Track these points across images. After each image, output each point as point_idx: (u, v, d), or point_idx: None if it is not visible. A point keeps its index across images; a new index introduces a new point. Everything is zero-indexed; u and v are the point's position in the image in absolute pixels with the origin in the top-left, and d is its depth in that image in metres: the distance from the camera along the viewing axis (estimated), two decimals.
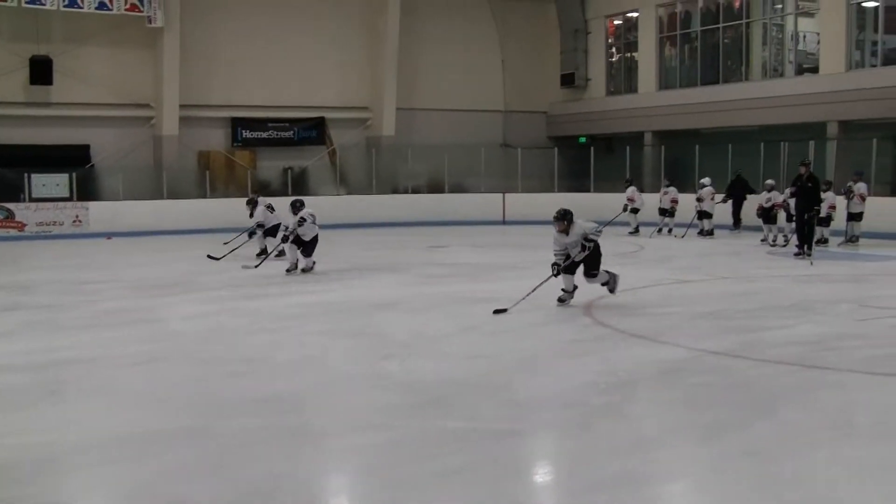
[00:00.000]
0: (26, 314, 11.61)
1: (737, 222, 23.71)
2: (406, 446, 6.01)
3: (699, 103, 27.93)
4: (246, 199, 19.45)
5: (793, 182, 18.40)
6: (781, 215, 20.22)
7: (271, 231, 17.81)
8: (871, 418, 6.73)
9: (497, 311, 10.86)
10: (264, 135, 29.50)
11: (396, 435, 6.26)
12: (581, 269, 11.41)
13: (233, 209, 26.50)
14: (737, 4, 28.09)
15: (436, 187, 29.63)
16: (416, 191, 29.33)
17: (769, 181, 21.31)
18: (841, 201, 20.26)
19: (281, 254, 16.12)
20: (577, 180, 29.88)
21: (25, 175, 25.43)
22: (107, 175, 27.12)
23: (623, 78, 32.33)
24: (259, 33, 28.92)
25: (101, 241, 23.69)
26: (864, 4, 24.39)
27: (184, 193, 27.18)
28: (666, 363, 8.36)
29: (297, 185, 28.32)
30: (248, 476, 5.43)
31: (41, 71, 26.43)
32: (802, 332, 9.91)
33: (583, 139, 32.42)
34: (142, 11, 26.45)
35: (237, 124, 29.16)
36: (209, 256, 17.84)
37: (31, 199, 25.38)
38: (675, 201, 23.44)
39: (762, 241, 20.46)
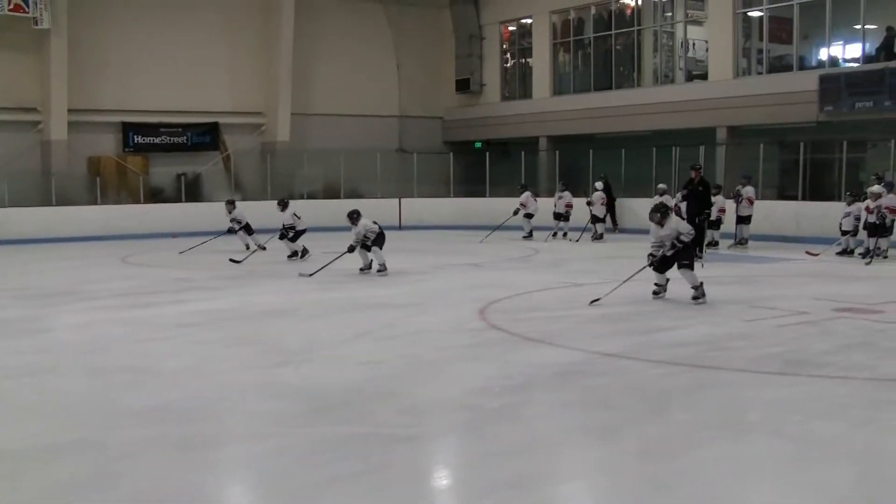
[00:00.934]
0: None
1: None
2: (299, 453, 5.94)
3: (592, 109, 28.36)
4: (278, 202, 19.71)
5: (684, 186, 18.81)
6: None
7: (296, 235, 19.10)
8: (756, 416, 6.88)
9: (593, 302, 11.78)
10: (157, 140, 28.89)
11: (289, 442, 6.18)
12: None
13: (125, 216, 26.28)
14: (628, 12, 28.60)
15: (332, 193, 29.44)
16: (311, 196, 29.05)
17: (661, 185, 21.79)
18: (730, 205, 20.83)
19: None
20: (472, 185, 30.05)
21: None
22: None
23: (518, 83, 32.66)
24: (151, 36, 28.36)
25: None
26: (749, 14, 25.06)
27: (73, 200, 26.46)
28: (561, 366, 8.42)
29: (191, 190, 27.87)
30: (139, 487, 5.32)
31: None
32: (694, 333, 10.08)
33: (478, 144, 32.64)
34: (27, 12, 25.61)
35: (128, 129, 28.46)
36: (231, 260, 18.19)
37: None
38: (569, 206, 23.69)
39: None
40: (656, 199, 20.93)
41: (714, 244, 20.10)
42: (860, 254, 17.75)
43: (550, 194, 25.65)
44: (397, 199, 28.99)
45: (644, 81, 28.26)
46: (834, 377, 7.94)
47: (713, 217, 19.19)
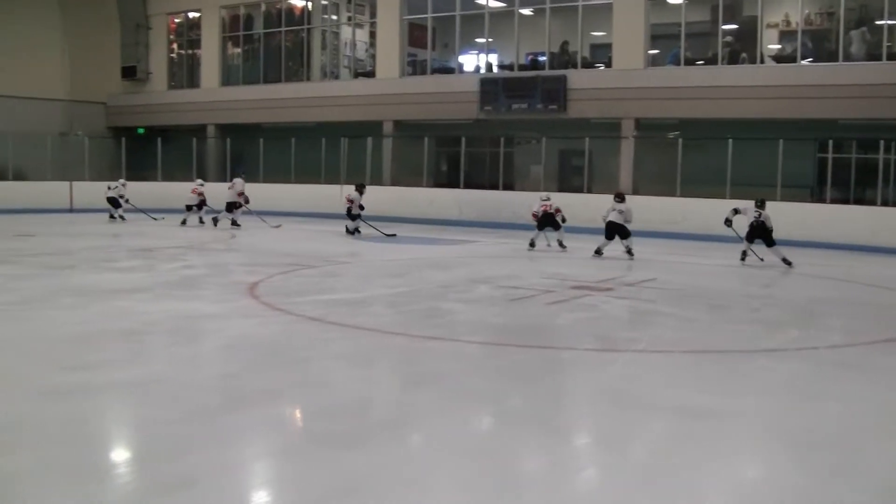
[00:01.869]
0: None
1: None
2: None
3: (262, 100, 29.90)
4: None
5: None
6: None
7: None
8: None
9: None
10: None
11: None
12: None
13: None
14: (297, 12, 30.37)
15: None
16: None
17: None
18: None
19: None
20: (143, 170, 30.52)
21: None
22: None
23: (185, 73, 33.48)
24: None
25: None
26: (406, 19, 27.63)
27: None
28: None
29: None
30: None
31: None
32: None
33: (141, 130, 33.16)
34: None
35: None
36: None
37: None
38: (241, 194, 23.74)
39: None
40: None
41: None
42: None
43: (222, 180, 26.77)
44: (68, 183, 28.91)
45: (313, 76, 30.14)
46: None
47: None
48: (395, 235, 20.44)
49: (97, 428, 5.87)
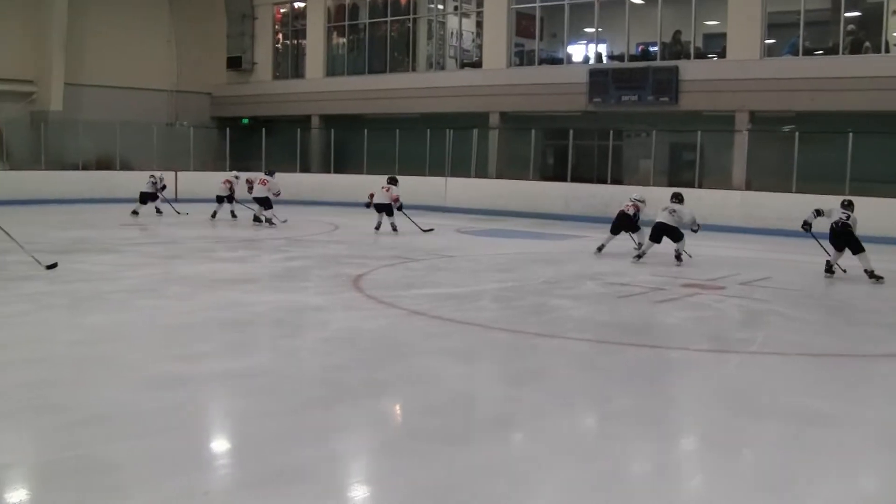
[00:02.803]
0: None
1: None
2: None
3: (366, 91, 29.79)
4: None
5: None
6: None
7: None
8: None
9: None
10: None
11: None
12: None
13: None
14: (403, 1, 30.25)
15: (105, 164, 29.36)
16: (85, 167, 28.89)
17: None
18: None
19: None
20: (247, 161, 30.73)
21: None
22: None
23: (290, 63, 33.63)
24: None
25: None
26: (514, 9, 27.23)
27: None
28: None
29: None
30: None
31: None
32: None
33: (245, 120, 33.44)
34: None
35: None
36: None
37: None
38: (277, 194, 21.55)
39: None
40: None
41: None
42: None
43: (325, 171, 26.80)
44: (173, 173, 29.26)
45: (418, 67, 29.97)
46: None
47: None
48: (432, 230, 19.94)
49: (201, 418, 5.88)
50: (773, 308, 10.56)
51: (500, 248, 17.10)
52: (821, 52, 22.52)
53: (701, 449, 5.60)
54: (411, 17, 29.97)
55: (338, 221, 21.76)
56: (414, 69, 29.87)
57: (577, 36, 26.88)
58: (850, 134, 20.55)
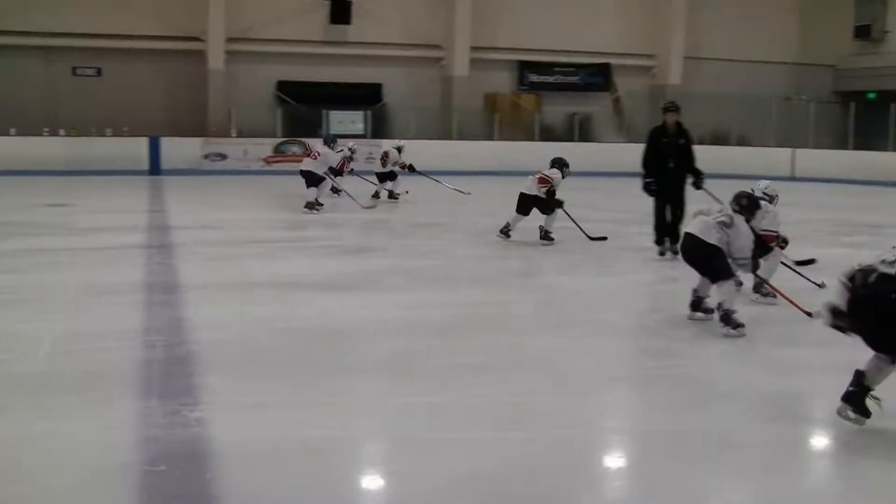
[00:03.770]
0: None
1: None
2: None
3: None
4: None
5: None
6: None
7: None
8: None
9: None
10: (550, 79, 29.51)
11: None
12: None
13: (520, 152, 26.86)
14: None
15: (719, 139, 28.76)
16: (700, 142, 28.49)
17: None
18: None
19: None
20: (871, 139, 28.35)
21: (323, 112, 26.47)
22: (398, 114, 27.80)
23: None
24: None
25: None
26: None
27: (470, 134, 27.51)
28: None
29: (583, 130, 28.25)
30: None
31: (341, 10, 27.22)
32: None
33: (872, 95, 30.74)
34: None
35: (524, 67, 29.29)
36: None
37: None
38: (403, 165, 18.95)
39: None
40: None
41: None
42: None
43: None
44: (790, 150, 27.91)
45: None
46: None
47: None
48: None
49: None
50: None
51: None
52: None
53: None
54: None
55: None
56: None
57: None
58: None
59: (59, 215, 15.38)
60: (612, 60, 29.74)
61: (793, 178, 26.59)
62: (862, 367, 5.09)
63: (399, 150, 18.49)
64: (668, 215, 11.38)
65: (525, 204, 12.26)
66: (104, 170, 22.64)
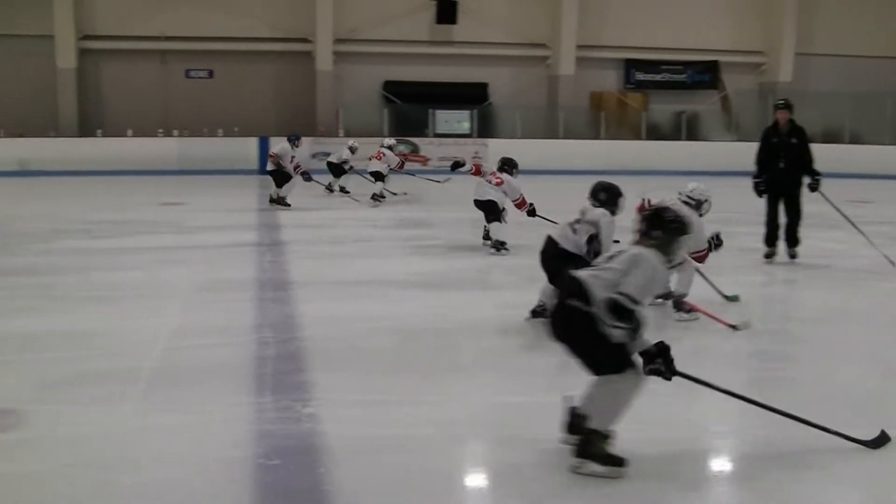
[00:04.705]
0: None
1: None
2: None
3: None
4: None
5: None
6: None
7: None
8: None
9: None
10: (657, 77, 29.16)
11: None
12: None
13: (626, 151, 26.62)
14: None
15: (831, 137, 28.01)
16: (811, 140, 27.80)
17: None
18: None
19: None
20: None
21: (430, 111, 26.67)
22: (503, 113, 27.83)
23: None
24: None
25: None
26: None
27: (575, 134, 27.37)
28: None
29: (690, 129, 27.88)
30: None
31: (447, 10, 27.33)
32: None
33: None
34: None
35: (630, 66, 29.01)
36: None
37: (435, 135, 26.56)
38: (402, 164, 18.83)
39: None
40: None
41: None
42: None
43: None
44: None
45: None
46: None
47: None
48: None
49: None
50: None
51: None
52: None
53: None
54: None
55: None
56: None
57: None
58: None
59: (173, 213, 15.83)
60: (721, 58, 29.20)
61: None
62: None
63: (391, 148, 18.29)
64: (783, 217, 11.09)
65: (487, 211, 11.28)
66: (215, 169, 23.20)
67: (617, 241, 7.01)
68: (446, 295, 8.92)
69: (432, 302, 8.57)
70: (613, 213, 7.24)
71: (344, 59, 27.26)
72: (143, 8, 25.88)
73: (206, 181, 21.60)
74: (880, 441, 4.82)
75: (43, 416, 4.51)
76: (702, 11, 28.89)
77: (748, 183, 11.22)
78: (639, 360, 4.44)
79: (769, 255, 11.06)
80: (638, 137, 27.81)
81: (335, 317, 7.71)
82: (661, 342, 4.47)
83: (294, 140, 16.89)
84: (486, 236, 11.61)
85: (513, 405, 5.61)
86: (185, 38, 26.14)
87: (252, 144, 24.57)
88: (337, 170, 18.62)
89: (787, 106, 11.12)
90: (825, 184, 10.78)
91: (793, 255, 10.75)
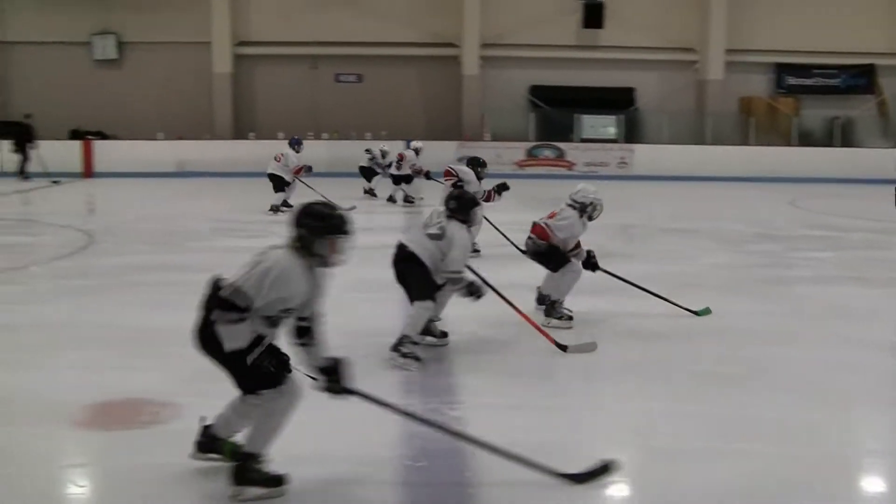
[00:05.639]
0: None
1: None
2: None
3: None
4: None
5: None
6: None
7: None
8: None
9: None
10: (809, 81, 28.43)
11: None
12: None
13: (776, 157, 25.96)
14: None
15: None
16: None
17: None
18: None
19: None
20: None
21: (575, 116, 26.61)
22: (650, 118, 27.54)
23: None
24: None
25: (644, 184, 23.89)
26: None
27: (724, 139, 26.88)
28: None
29: (845, 135, 27.08)
30: None
31: (593, 14, 27.27)
32: None
33: None
34: None
35: (781, 70, 28.35)
36: None
37: (581, 140, 26.48)
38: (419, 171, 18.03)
39: None
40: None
41: None
42: None
43: None
44: None
45: None
46: None
47: None
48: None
49: None
50: None
51: None
52: None
53: None
54: None
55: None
56: None
57: None
58: None
59: None
60: (877, 61, 28.21)
61: None
62: None
63: (417, 152, 18.19)
64: None
65: None
66: None
67: None
68: (588, 300, 8.79)
69: (575, 307, 8.50)
70: (465, 221, 6.92)
71: (490, 63, 27.46)
72: (294, 15, 26.69)
73: (354, 183, 21.98)
74: (592, 475, 4.55)
75: (199, 409, 4.70)
76: (857, 12, 28.03)
77: None
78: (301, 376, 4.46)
79: None
80: (788, 144, 27.14)
81: (482, 320, 7.76)
82: (338, 357, 4.51)
83: (296, 144, 17.04)
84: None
85: (654, 412, 5.64)
86: (335, 44, 26.83)
87: (399, 148, 24.88)
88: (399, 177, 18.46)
89: None
90: None
91: None
